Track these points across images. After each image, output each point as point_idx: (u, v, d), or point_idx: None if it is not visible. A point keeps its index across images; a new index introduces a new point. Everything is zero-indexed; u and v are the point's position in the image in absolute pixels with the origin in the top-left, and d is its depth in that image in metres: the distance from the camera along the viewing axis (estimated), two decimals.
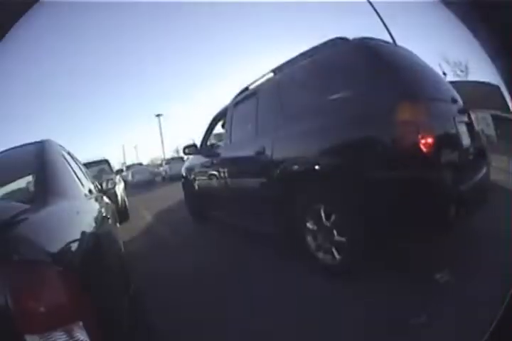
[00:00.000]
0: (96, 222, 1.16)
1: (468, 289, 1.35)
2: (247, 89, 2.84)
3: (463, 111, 2.01)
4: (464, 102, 2.10)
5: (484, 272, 1.45)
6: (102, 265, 0.91)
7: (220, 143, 3.35)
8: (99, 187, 2.25)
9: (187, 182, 4.03)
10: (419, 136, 1.43)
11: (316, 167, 1.82)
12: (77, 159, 2.00)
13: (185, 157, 4.49)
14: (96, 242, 0.94)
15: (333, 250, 1.76)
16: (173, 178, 11.74)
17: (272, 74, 2.46)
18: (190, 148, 3.57)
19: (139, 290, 1.40)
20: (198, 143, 3.70)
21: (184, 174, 4.17)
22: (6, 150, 1.54)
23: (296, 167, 1.97)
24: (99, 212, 1.41)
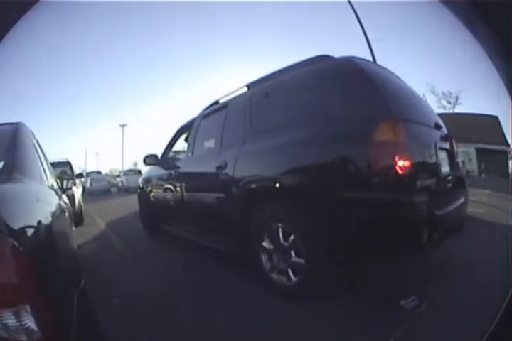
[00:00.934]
0: (54, 214, 1.14)
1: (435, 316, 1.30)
2: (217, 102, 2.74)
3: (445, 138, 1.98)
4: (447, 131, 2.05)
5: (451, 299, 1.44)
6: (55, 253, 0.90)
7: (181, 156, 3.25)
8: (60, 185, 2.23)
9: (143, 193, 3.94)
10: (396, 158, 1.37)
11: (281, 184, 1.74)
12: (43, 151, 1.98)
13: (143, 170, 4.40)
14: (50, 231, 0.92)
15: (289, 271, 1.67)
16: (128, 190, 11.84)
17: (245, 89, 2.37)
18: (151, 159, 3.45)
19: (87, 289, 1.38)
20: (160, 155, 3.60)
21: (141, 184, 4.07)
22: None
23: (258, 183, 1.89)
24: (59, 205, 1.41)
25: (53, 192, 1.54)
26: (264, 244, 1.81)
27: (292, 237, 1.67)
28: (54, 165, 2.23)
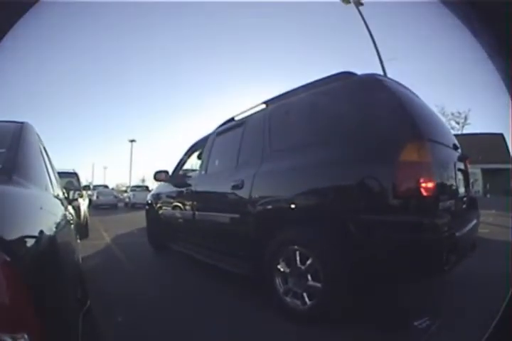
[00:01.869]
0: (59, 226, 1.02)
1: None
2: (232, 119, 2.67)
3: (461, 158, 1.97)
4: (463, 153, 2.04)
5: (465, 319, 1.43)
6: (58, 272, 0.78)
7: (193, 173, 3.19)
8: (66, 195, 2.10)
9: (151, 210, 3.88)
10: (421, 180, 1.35)
11: (300, 206, 1.70)
12: (50, 157, 1.86)
13: (151, 185, 4.37)
14: (54, 245, 0.81)
15: (305, 295, 1.64)
16: (135, 206, 11.87)
17: (263, 106, 2.31)
18: (162, 175, 3.40)
19: (95, 309, 1.30)
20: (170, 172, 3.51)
21: (150, 201, 4.00)
22: None
23: (276, 204, 1.84)
24: (64, 216, 1.29)
25: (59, 202, 1.42)
26: (280, 266, 1.77)
27: (310, 261, 1.62)
28: (60, 175, 2.18)
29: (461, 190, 1.87)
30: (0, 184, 0.83)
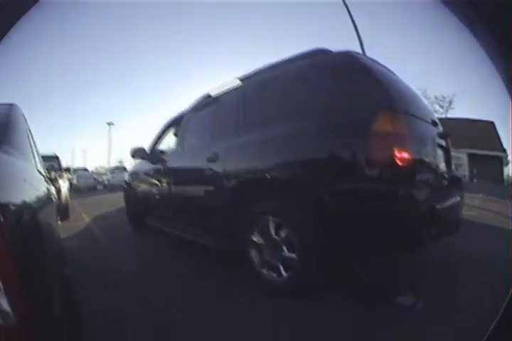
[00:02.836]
0: (40, 197, 1.07)
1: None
2: (209, 96, 2.68)
3: (442, 135, 1.97)
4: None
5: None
6: (37, 235, 0.82)
7: (170, 150, 3.19)
8: (48, 175, 2.16)
9: (129, 188, 3.88)
10: (396, 150, 1.35)
11: (275, 176, 1.70)
12: (34, 140, 1.93)
13: (130, 165, 4.32)
14: (36, 212, 0.85)
15: (280, 267, 1.63)
16: (114, 187, 11.99)
17: (238, 82, 2.32)
18: (139, 152, 3.34)
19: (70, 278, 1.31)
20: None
21: (127, 180, 4.00)
22: None
23: (250, 175, 1.84)
24: (47, 190, 1.34)
25: (42, 178, 1.47)
26: (254, 238, 1.77)
27: (285, 231, 1.63)
28: (42, 158, 2.21)
29: (442, 166, 1.87)
30: None
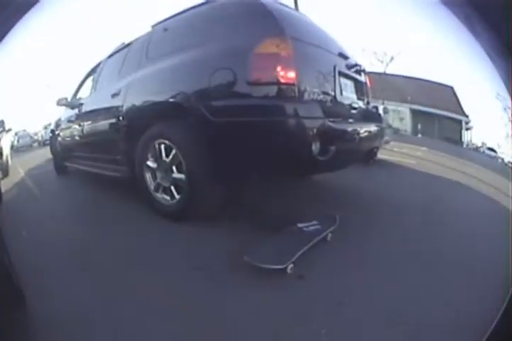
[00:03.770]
0: None
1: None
2: (123, 43, 2.84)
3: (352, 67, 1.99)
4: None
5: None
6: None
7: (87, 95, 3.34)
8: None
9: (53, 136, 3.98)
10: (279, 68, 1.39)
11: (161, 102, 1.79)
12: None
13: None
14: None
15: (172, 189, 1.69)
16: (46, 143, 12.27)
17: (149, 29, 2.46)
18: (62, 100, 3.43)
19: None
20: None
21: (52, 128, 4.09)
22: None
23: (143, 104, 1.96)
24: None
25: None
26: (149, 163, 1.84)
27: (173, 152, 1.68)
28: None
29: (350, 96, 1.90)
30: None
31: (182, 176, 1.63)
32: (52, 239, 1.64)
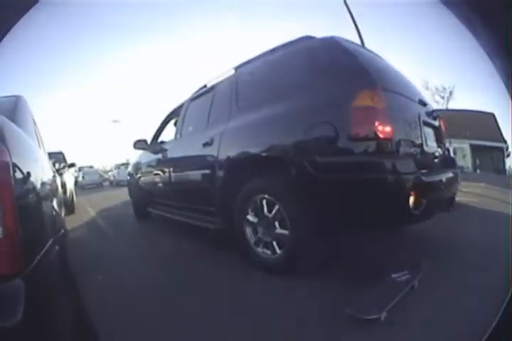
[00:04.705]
0: (48, 179, 1.14)
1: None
2: (205, 86, 2.80)
3: (431, 114, 1.99)
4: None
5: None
6: (37, 202, 0.87)
7: (170, 140, 3.29)
8: (53, 167, 2.26)
9: (133, 180, 3.99)
10: (376, 123, 1.38)
11: (264, 156, 1.76)
12: (39, 134, 2.03)
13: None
14: (41, 189, 0.93)
15: (274, 244, 1.68)
16: (120, 184, 12.15)
17: (232, 71, 2.41)
18: (140, 143, 3.47)
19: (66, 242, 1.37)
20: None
21: (131, 171, 4.10)
22: None
23: (242, 157, 1.91)
24: (53, 177, 1.41)
25: (50, 166, 1.55)
26: (249, 217, 1.83)
27: (276, 208, 1.67)
28: (48, 155, 2.27)
29: (432, 144, 1.90)
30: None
31: (286, 232, 1.62)
32: (134, 286, 1.64)
